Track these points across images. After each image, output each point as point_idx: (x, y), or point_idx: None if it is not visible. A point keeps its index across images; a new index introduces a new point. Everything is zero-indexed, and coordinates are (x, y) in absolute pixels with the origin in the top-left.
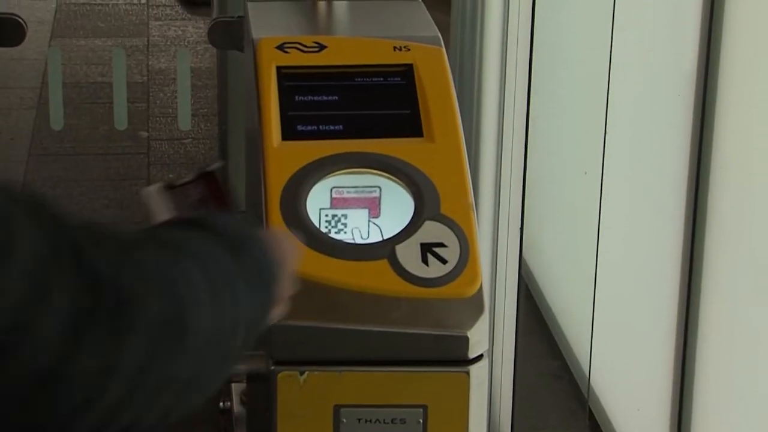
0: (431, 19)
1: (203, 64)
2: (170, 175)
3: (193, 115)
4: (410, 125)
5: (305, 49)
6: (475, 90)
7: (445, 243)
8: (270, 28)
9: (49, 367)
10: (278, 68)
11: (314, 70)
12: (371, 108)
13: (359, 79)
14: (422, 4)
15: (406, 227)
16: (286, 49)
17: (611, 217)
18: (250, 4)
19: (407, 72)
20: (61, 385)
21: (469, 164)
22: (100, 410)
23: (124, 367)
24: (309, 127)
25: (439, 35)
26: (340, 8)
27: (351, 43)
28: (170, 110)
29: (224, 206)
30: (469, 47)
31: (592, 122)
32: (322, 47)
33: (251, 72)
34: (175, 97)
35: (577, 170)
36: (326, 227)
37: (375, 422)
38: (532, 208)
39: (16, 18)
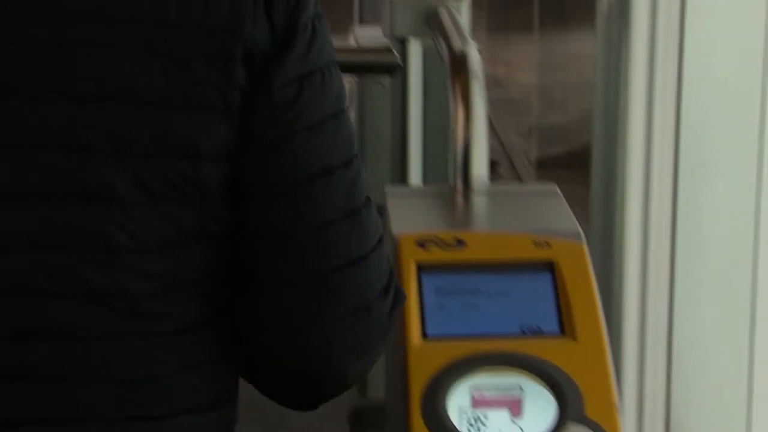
0: (571, 212)
1: None
2: None
3: None
4: (552, 323)
5: (445, 245)
6: (615, 285)
7: None
8: (409, 223)
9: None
10: (418, 265)
11: (454, 266)
12: (511, 305)
13: (499, 276)
14: (562, 197)
15: (549, 429)
16: (426, 245)
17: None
18: (389, 197)
19: (548, 268)
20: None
21: (612, 363)
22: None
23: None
24: (449, 326)
25: (580, 230)
26: (479, 202)
27: (490, 239)
28: None
29: None
30: (608, 241)
31: (738, 320)
32: (461, 243)
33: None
34: None
35: (726, 363)
36: (468, 428)
37: None
38: (679, 402)
39: None
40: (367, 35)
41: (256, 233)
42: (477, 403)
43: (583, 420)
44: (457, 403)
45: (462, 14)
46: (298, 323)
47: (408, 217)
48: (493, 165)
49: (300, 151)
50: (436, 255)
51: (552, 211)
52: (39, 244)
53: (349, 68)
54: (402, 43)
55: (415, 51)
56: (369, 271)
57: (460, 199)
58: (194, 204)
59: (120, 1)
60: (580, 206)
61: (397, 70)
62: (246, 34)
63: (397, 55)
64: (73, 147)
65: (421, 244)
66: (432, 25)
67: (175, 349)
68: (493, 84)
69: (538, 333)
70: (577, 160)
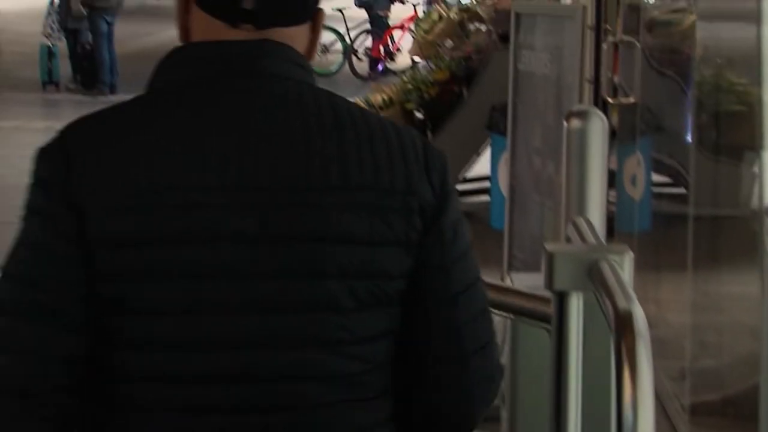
0: None
1: None
2: None
3: None
4: None
5: None
6: None
7: None
8: None
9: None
10: None
11: None
12: None
13: None
14: None
15: None
16: None
17: None
18: None
19: None
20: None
21: None
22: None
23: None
24: None
25: None
26: None
27: None
28: None
29: None
30: None
31: None
32: None
33: None
34: None
35: None
36: None
37: None
38: None
39: None
40: (524, 281)
41: (426, 326)
42: None
43: None
44: None
45: (625, 269)
46: (452, 389)
47: None
48: None
49: (459, 274)
50: None
51: None
52: (288, 343)
53: (505, 308)
54: (561, 296)
55: (574, 305)
56: (492, 350)
57: None
58: (385, 308)
59: (338, 174)
60: None
61: (552, 323)
62: (418, 194)
63: (551, 308)
64: (313, 273)
65: None
66: (593, 279)
67: (373, 409)
68: None
69: None
70: (732, 408)
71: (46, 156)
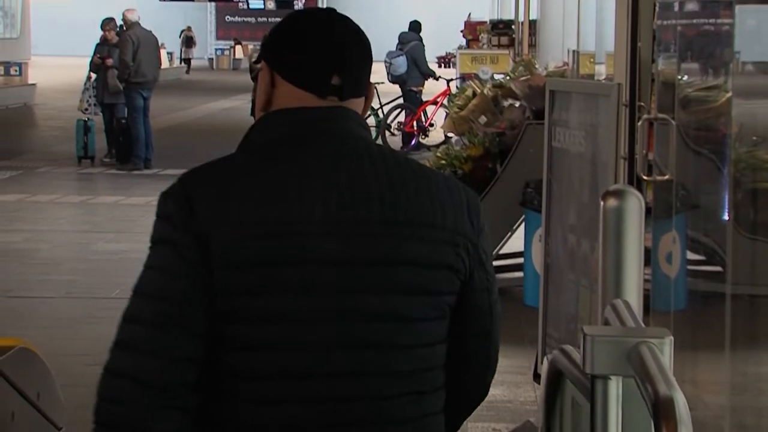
0: None
1: None
2: None
3: None
4: None
5: None
6: None
7: None
8: None
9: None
10: None
11: None
12: None
13: None
14: None
15: None
16: None
17: None
18: None
19: None
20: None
21: None
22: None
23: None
24: None
25: None
26: None
27: None
28: None
29: None
30: None
31: None
32: None
33: None
34: None
35: None
36: None
37: None
38: None
39: None
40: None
41: (469, 330)
42: None
43: None
44: None
45: (665, 353)
46: (486, 360)
47: None
48: None
49: (493, 290)
50: None
51: None
52: (365, 345)
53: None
54: (600, 381)
55: (613, 390)
56: (498, 336)
57: None
58: (440, 320)
59: (404, 213)
60: None
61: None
62: (464, 233)
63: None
64: (386, 290)
65: None
66: (633, 363)
67: (429, 401)
68: None
69: None
70: None
71: (169, 197)
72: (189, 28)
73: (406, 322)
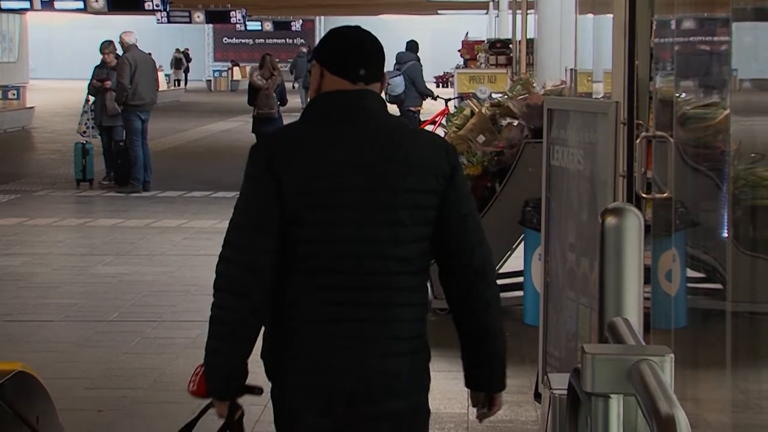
0: None
1: None
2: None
3: None
4: None
5: None
6: None
7: None
8: None
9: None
10: None
11: None
12: None
13: None
14: None
15: None
16: None
17: None
18: None
19: None
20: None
21: None
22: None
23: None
24: None
25: None
26: None
27: None
28: None
29: None
30: None
31: None
32: None
33: None
34: None
35: None
36: None
37: None
38: None
39: None
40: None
41: (451, 232)
42: None
43: None
44: None
45: (666, 371)
46: (470, 249)
47: None
48: None
49: (467, 204)
50: None
51: None
52: (379, 240)
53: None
54: (602, 399)
55: (614, 408)
56: (483, 235)
57: None
58: (426, 226)
59: (405, 158)
60: None
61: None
62: (442, 169)
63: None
64: (392, 207)
65: None
66: (634, 381)
67: (416, 279)
68: None
69: None
70: None
71: (257, 150)
72: (177, 50)
73: (404, 226)
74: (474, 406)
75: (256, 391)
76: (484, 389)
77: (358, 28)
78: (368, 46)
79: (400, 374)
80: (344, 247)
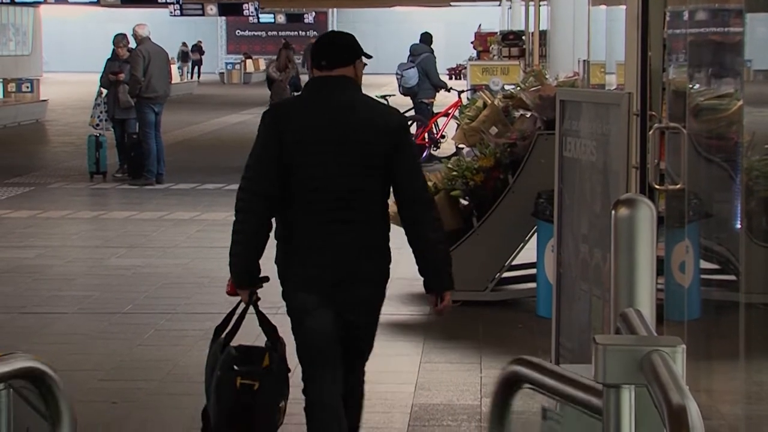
0: None
1: None
2: None
3: None
4: None
5: None
6: None
7: None
8: None
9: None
10: None
11: None
12: None
13: None
14: None
15: None
16: None
17: None
18: None
19: None
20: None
21: None
22: None
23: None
24: None
25: None
26: None
27: None
28: None
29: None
30: None
31: None
32: None
33: None
34: None
35: None
36: None
37: None
38: None
39: None
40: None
41: (397, 179)
42: None
43: None
44: None
45: (677, 362)
46: (410, 184)
47: None
48: None
49: (410, 153)
50: None
51: None
52: (345, 178)
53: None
54: (614, 390)
55: (626, 399)
56: (426, 187)
57: None
58: (380, 167)
59: (366, 122)
60: None
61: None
62: (394, 129)
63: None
64: (357, 155)
65: None
66: (645, 372)
67: (379, 207)
68: None
69: None
70: None
71: (266, 113)
72: (184, 44)
73: (365, 168)
74: (430, 305)
75: (265, 279)
76: (436, 289)
77: (330, 32)
78: (327, 45)
79: (369, 271)
80: (324, 179)
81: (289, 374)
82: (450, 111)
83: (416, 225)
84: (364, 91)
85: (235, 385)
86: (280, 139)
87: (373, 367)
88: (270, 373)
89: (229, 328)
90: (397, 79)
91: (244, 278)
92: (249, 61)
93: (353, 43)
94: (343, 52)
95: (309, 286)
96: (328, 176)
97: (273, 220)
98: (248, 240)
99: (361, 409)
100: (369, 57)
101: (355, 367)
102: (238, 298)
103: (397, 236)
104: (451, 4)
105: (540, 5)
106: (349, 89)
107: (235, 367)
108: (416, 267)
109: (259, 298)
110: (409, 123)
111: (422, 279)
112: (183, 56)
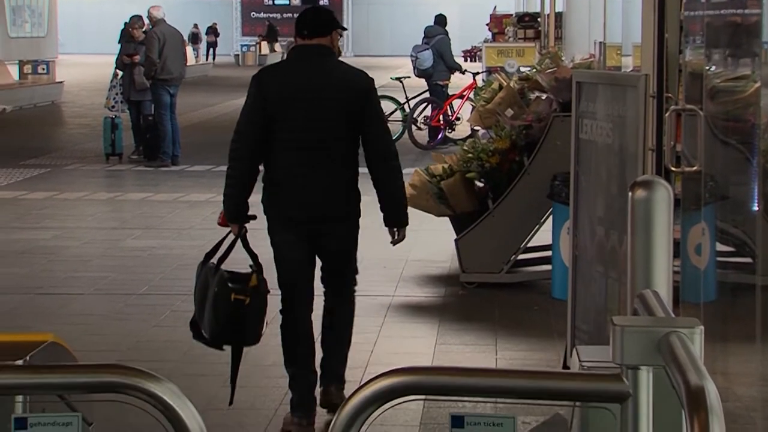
0: None
1: None
2: None
3: None
4: None
5: None
6: None
7: None
8: None
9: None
10: None
11: None
12: None
13: None
14: None
15: None
16: None
17: None
18: None
19: None
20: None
21: None
22: None
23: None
24: None
25: None
26: None
27: None
28: None
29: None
30: None
31: None
32: None
33: None
34: None
35: None
36: None
37: None
38: None
39: None
40: (590, 355)
41: (366, 131)
42: None
43: None
44: None
45: (695, 343)
46: (376, 139)
47: None
48: None
49: (377, 111)
50: None
51: None
52: (322, 126)
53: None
54: (632, 371)
55: (644, 380)
56: (390, 139)
57: None
58: (350, 121)
59: (339, 83)
60: None
61: (627, 400)
62: (364, 89)
63: (626, 383)
64: (330, 109)
65: None
66: (663, 353)
67: (350, 155)
68: None
69: None
70: None
71: (254, 78)
72: (195, 25)
73: (336, 121)
74: (390, 235)
75: (252, 217)
76: (396, 224)
77: (312, 6)
78: (308, 17)
79: (341, 207)
80: (302, 131)
81: (268, 295)
82: (465, 93)
83: (380, 172)
84: (377, 73)
85: (230, 299)
86: (265, 96)
87: (388, 348)
88: (258, 290)
89: (221, 254)
90: (412, 61)
91: (235, 214)
92: (264, 43)
93: (331, 17)
94: (322, 24)
95: (288, 222)
96: (306, 126)
97: (260, 166)
98: (238, 183)
99: (347, 345)
100: (344, 29)
101: (339, 289)
102: (228, 229)
103: (416, 218)
104: None
105: None
106: (325, 55)
107: (230, 285)
108: (426, 247)
109: (246, 231)
110: (424, 105)
111: (382, 215)
112: (194, 38)
